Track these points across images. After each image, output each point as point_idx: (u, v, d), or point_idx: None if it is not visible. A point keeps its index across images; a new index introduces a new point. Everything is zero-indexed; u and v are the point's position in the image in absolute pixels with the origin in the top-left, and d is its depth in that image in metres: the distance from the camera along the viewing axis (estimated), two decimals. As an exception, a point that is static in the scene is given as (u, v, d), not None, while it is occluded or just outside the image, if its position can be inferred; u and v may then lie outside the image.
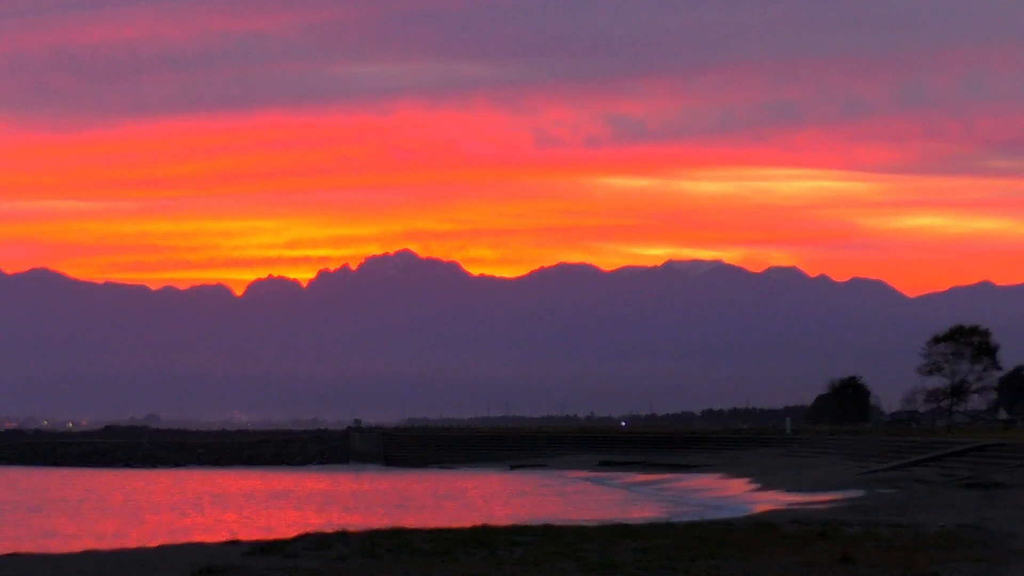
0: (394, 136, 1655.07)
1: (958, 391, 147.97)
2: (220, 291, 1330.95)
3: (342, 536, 42.66)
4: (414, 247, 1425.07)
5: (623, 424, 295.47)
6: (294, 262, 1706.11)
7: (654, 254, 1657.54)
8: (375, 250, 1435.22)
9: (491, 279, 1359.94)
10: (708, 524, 50.49)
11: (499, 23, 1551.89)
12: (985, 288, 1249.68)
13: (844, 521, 51.23)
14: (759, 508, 72.02)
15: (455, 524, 53.33)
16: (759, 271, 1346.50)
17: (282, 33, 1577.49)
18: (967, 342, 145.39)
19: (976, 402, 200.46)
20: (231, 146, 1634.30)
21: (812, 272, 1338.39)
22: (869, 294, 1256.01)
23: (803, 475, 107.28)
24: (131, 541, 56.24)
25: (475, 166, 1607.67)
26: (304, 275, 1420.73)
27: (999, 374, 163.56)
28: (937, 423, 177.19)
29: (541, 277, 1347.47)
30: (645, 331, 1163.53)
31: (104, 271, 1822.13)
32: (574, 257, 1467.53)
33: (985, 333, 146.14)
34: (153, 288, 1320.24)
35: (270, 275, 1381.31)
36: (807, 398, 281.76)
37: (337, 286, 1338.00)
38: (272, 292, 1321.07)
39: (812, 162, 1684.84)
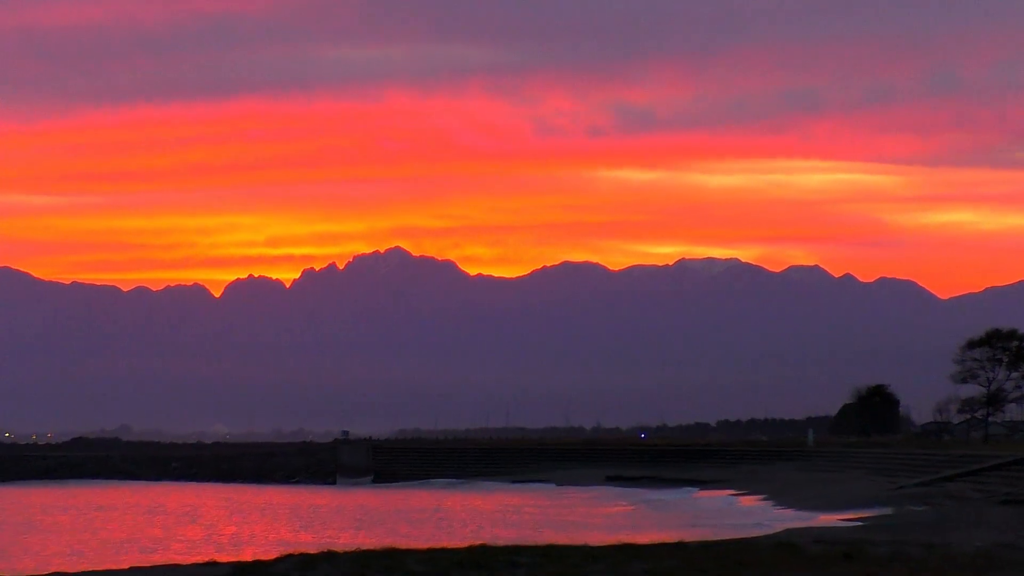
0: (383, 125, 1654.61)
1: (994, 400, 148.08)
2: (197, 292, 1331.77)
3: (329, 557, 42.60)
4: (406, 245, 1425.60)
5: (641, 436, 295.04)
6: (276, 261, 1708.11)
7: (665, 252, 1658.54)
8: (364, 248, 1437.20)
9: (489, 279, 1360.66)
10: (723, 544, 50.49)
11: (497, 4, 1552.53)
12: (1023, 288, 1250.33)
13: (871, 541, 51.25)
14: (778, 526, 72.03)
15: (451, 543, 53.34)
16: (778, 270, 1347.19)
17: (262, 15, 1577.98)
18: (1004, 347, 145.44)
19: (1014, 412, 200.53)
20: (207, 136, 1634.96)
21: (836, 271, 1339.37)
22: (898, 295, 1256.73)
23: (826, 491, 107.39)
24: (101, 562, 56.23)
25: (471, 158, 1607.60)
26: (287, 275, 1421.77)
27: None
28: (972, 435, 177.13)
29: (543, 277, 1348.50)
30: (655, 335, 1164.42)
31: (72, 270, 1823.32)
32: (579, 256, 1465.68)
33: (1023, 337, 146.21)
34: (124, 289, 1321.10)
35: (251, 275, 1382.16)
36: (831, 408, 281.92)
37: (323, 287, 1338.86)
38: (253, 293, 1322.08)
39: (834, 153, 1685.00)
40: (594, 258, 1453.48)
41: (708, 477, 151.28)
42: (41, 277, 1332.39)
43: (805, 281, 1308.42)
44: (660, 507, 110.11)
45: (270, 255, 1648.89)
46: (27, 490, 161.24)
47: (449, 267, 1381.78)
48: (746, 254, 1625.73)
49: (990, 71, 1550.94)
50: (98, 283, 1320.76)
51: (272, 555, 46.92)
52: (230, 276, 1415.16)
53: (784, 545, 48.48)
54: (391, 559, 41.46)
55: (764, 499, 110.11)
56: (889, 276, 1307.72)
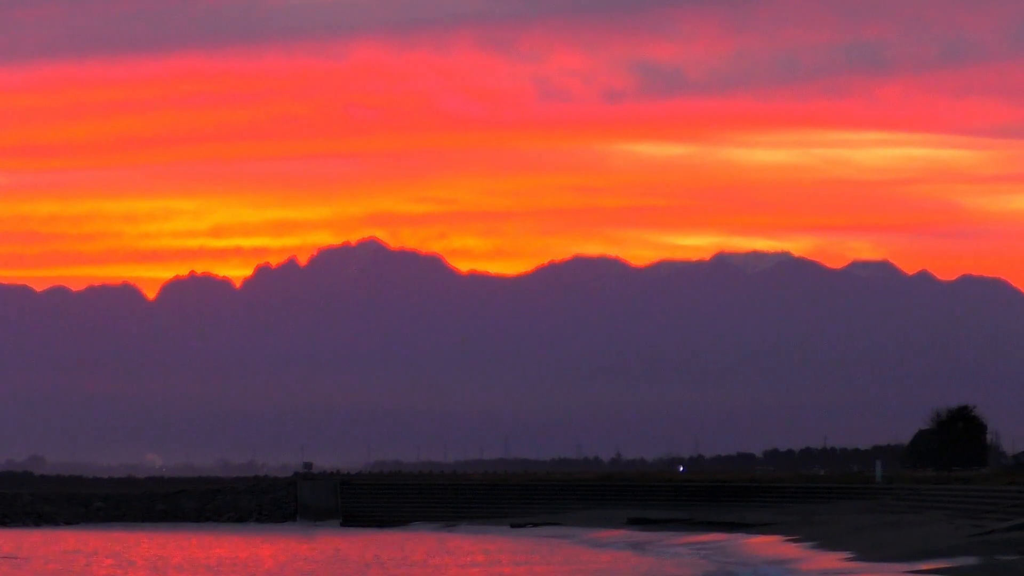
0: (351, 88, 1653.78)
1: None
2: (126, 293, 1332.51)
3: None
4: (381, 235, 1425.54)
5: (681, 469, 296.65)
6: (223, 255, 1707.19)
7: (698, 244, 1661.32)
8: (330, 239, 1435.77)
9: (483, 277, 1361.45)
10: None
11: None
12: None
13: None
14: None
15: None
16: (838, 266, 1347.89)
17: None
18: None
19: None
20: (136, 101, 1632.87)
21: (909, 268, 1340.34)
22: (984, 297, 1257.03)
23: (897, 537, 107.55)
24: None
25: (459, 128, 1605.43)
26: (237, 272, 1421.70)
27: None
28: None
29: (549, 275, 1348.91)
30: (688, 345, 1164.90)
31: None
32: (592, 248, 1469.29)
33: None
34: (37, 289, 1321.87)
35: (192, 272, 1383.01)
36: (903, 435, 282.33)
37: (280, 287, 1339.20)
38: (195, 294, 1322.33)
39: (905, 123, 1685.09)
40: (612, 251, 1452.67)
41: (754, 520, 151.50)
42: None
43: (871, 279, 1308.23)
44: (694, 558, 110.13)
45: (215, 248, 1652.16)
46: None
47: (435, 262, 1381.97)
48: (798, 246, 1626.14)
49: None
50: (5, 282, 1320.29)
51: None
52: (167, 273, 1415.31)
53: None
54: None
55: (821, 547, 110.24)
56: (973, 274, 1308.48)
